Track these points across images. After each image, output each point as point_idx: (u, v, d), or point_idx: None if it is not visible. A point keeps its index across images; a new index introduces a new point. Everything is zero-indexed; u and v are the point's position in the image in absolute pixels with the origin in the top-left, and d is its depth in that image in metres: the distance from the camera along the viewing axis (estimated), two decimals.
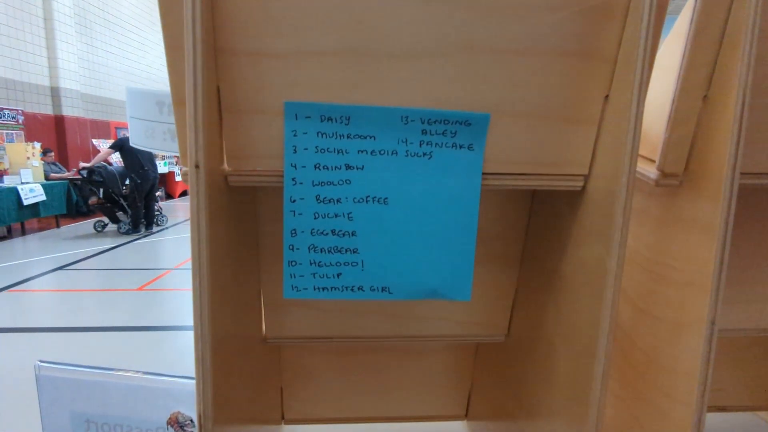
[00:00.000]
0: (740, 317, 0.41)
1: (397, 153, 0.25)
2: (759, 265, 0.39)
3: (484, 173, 0.26)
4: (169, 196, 4.76)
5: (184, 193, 4.76)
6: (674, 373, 0.32)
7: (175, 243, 2.70)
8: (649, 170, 0.31)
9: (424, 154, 0.25)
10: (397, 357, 0.51)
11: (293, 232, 0.25)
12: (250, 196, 0.28)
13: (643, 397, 0.37)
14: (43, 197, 3.50)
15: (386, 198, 0.26)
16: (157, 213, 2.99)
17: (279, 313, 0.39)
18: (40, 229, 3.77)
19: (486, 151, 0.26)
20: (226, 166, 0.26)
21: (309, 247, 0.26)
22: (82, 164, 3.75)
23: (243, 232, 0.29)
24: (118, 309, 1.42)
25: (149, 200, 2.82)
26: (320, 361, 0.49)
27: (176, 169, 4.30)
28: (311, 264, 0.26)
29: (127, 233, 2.85)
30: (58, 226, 3.84)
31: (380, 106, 0.25)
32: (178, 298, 1.54)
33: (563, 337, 0.33)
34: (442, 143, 0.25)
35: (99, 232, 3.17)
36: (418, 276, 0.27)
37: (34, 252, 2.91)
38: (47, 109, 4.13)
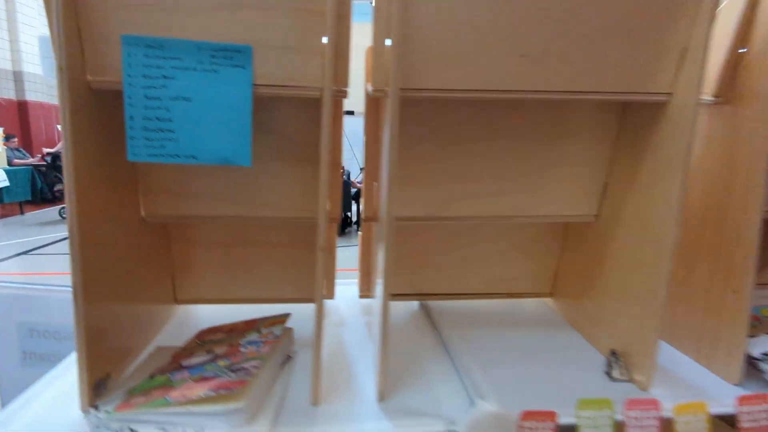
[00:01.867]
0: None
1: (196, 69, 0.41)
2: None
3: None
4: None
5: None
6: None
7: None
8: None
9: (213, 71, 0.42)
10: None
11: (131, 117, 0.41)
12: (112, 100, 0.43)
13: None
14: (7, 183, 3.51)
15: (189, 97, 0.42)
16: None
17: (154, 195, 0.55)
18: (4, 216, 3.77)
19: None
20: (88, 76, 0.41)
21: (142, 128, 0.42)
22: (47, 150, 3.77)
23: (113, 127, 0.45)
24: None
25: None
26: (211, 240, 0.64)
27: None
28: (144, 139, 0.42)
29: None
30: (22, 212, 3.85)
31: (184, 39, 0.41)
32: None
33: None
34: (224, 63, 0.42)
35: (65, 218, 3.23)
36: (215, 149, 0.43)
37: None
38: (10, 94, 4.11)
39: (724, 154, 0.52)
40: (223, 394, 0.41)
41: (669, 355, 0.58)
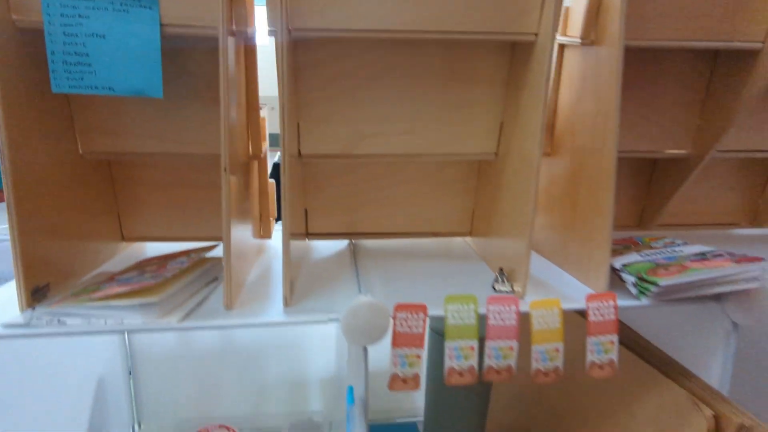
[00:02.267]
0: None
1: (108, 9, 0.47)
2: None
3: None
4: None
5: None
6: None
7: None
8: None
9: (124, 11, 0.48)
10: None
11: (53, 52, 0.47)
12: (40, 38, 0.49)
13: None
14: None
15: (104, 35, 0.48)
16: None
17: (90, 132, 0.61)
18: None
19: None
20: (12, 15, 0.47)
21: (62, 62, 0.48)
22: None
23: (42, 65, 0.51)
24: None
25: None
26: (153, 180, 0.71)
27: None
28: (65, 72, 0.48)
29: None
30: None
31: None
32: None
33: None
34: (133, 4, 0.47)
35: None
36: (129, 82, 0.49)
37: None
38: None
39: (593, 93, 0.58)
40: (138, 289, 0.48)
41: (558, 276, 0.65)
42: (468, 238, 0.82)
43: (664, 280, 0.51)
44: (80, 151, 0.61)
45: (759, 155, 0.75)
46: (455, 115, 0.65)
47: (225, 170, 0.50)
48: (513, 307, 0.51)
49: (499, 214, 0.66)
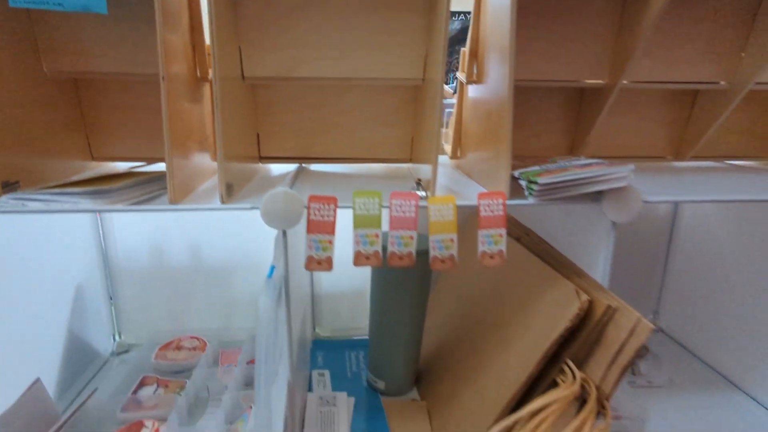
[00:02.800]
0: None
1: None
2: None
3: None
4: None
5: None
6: None
7: None
8: None
9: None
10: None
11: None
12: None
13: None
14: None
15: None
16: None
17: (53, 52, 0.68)
18: None
19: None
20: None
21: None
22: None
23: None
24: None
25: None
26: (118, 103, 0.78)
27: None
28: None
29: None
30: None
31: None
32: None
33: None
34: None
35: None
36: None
37: None
38: None
39: (498, 25, 0.64)
40: (95, 179, 0.57)
41: (473, 187, 0.73)
42: (410, 164, 0.89)
43: (543, 179, 0.58)
44: (44, 70, 0.69)
45: (671, 86, 0.81)
46: (384, 41, 0.71)
47: (163, 78, 0.57)
48: (412, 202, 0.59)
49: (421, 137, 0.74)
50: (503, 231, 0.60)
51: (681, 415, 0.86)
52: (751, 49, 0.78)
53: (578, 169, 0.60)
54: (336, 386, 0.92)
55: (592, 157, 0.92)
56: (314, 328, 1.10)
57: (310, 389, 0.91)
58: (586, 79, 0.80)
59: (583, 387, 0.58)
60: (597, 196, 0.61)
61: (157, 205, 0.60)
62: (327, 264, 0.59)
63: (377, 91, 0.80)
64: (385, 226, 0.58)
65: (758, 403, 0.89)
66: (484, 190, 0.71)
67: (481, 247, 0.60)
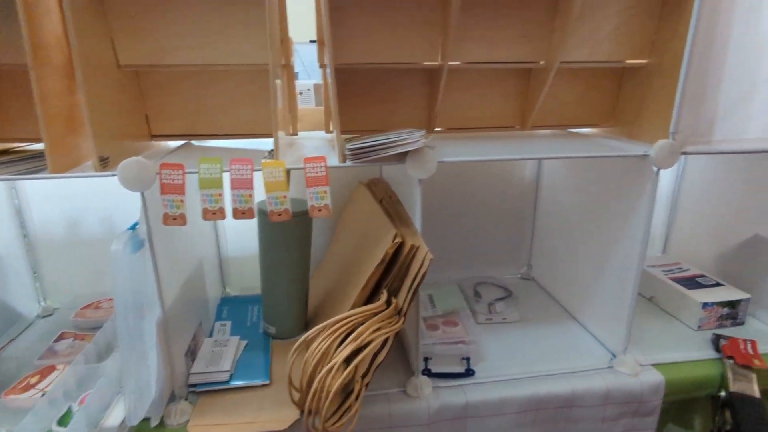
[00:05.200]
0: None
1: None
2: None
3: None
4: None
5: None
6: None
7: None
8: None
9: None
10: None
11: None
12: None
13: None
14: None
15: None
16: None
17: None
18: None
19: None
20: None
21: None
22: None
23: None
24: None
25: None
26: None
27: None
28: None
29: None
30: None
31: None
32: None
33: None
34: None
35: None
36: None
37: None
38: None
39: None
40: None
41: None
42: (292, 137, 1.03)
43: (351, 144, 0.73)
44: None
45: (495, 66, 0.96)
46: (238, 32, 0.84)
47: (31, 69, 0.69)
48: (248, 166, 0.72)
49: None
50: (327, 188, 0.74)
51: (525, 342, 1.04)
52: (557, 32, 0.93)
53: (382, 135, 0.75)
54: (235, 333, 1.07)
55: (448, 129, 1.07)
56: (224, 287, 1.24)
57: (211, 335, 1.05)
58: (424, 62, 0.94)
59: (390, 305, 0.73)
60: (404, 158, 0.76)
61: (40, 175, 0.72)
62: (181, 219, 0.72)
63: (244, 74, 0.93)
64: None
65: (586, 329, 1.08)
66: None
67: (310, 202, 0.75)
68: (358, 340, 0.64)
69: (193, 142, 1.01)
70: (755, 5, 0.76)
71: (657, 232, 1.41)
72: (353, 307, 0.77)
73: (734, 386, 0.90)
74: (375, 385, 0.88)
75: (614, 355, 0.97)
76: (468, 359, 0.94)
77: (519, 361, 0.96)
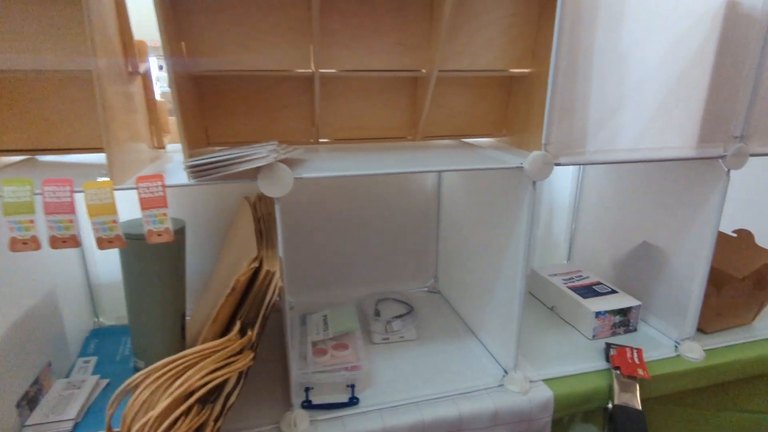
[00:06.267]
0: None
1: None
2: None
3: None
4: None
5: None
6: None
7: None
8: None
9: None
10: None
11: None
12: None
13: None
14: None
15: None
16: None
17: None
18: None
19: None
20: None
21: None
22: None
23: None
24: None
25: None
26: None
27: None
28: None
29: None
30: None
31: None
32: None
33: None
34: None
35: None
36: None
37: None
38: None
39: None
40: None
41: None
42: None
43: (191, 161, 0.65)
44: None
45: (374, 74, 0.91)
46: (59, 34, 0.74)
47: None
48: (67, 188, 0.63)
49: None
50: (165, 210, 0.66)
51: (420, 362, 0.99)
52: (434, 41, 0.89)
53: (229, 151, 0.67)
54: (100, 371, 0.95)
55: (336, 140, 1.01)
56: (96, 317, 1.12)
57: (69, 375, 0.93)
58: (296, 69, 0.87)
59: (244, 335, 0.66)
60: (256, 174, 0.69)
61: None
62: (35, 244, 0.61)
63: (85, 82, 0.82)
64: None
65: (483, 345, 1.05)
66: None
67: (146, 227, 0.66)
68: (184, 386, 0.56)
69: (38, 157, 0.89)
70: (617, 15, 0.76)
71: (562, 240, 1.42)
72: (204, 342, 0.69)
73: (619, 398, 0.89)
74: (248, 422, 0.80)
75: (506, 372, 0.93)
76: (353, 386, 0.88)
77: (409, 385, 0.91)
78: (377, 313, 1.13)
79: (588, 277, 1.22)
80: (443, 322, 1.16)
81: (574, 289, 1.15)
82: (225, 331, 0.70)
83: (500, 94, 1.05)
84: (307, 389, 0.87)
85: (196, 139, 0.96)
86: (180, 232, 0.91)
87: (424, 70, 0.93)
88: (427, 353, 1.02)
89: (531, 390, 0.90)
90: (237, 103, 0.91)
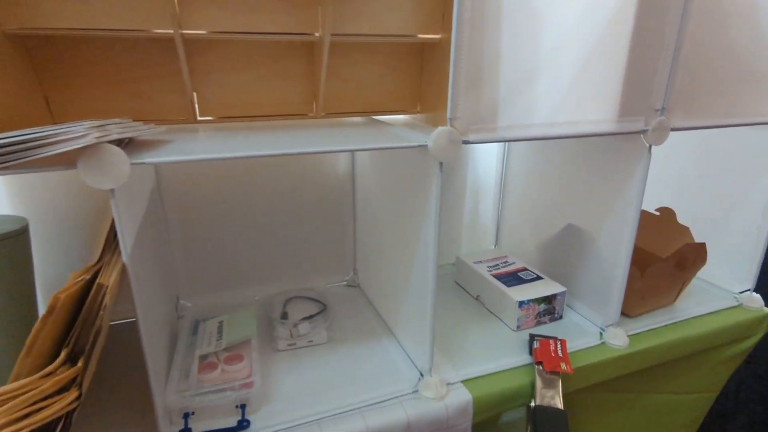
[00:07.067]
0: None
1: None
2: None
3: None
4: None
5: None
6: None
7: None
8: None
9: None
10: None
11: None
12: None
13: None
14: None
15: None
16: None
17: None
18: None
19: None
20: None
21: None
22: None
23: None
24: None
25: None
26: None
27: None
28: None
29: None
30: None
31: None
32: None
33: None
34: None
35: None
36: None
37: None
38: None
39: None
40: None
41: None
42: None
43: None
44: None
45: (257, 37, 0.77)
46: None
47: None
48: None
49: None
50: None
51: (329, 370, 0.87)
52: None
53: (29, 130, 0.51)
54: None
55: (221, 118, 0.86)
56: None
57: None
58: (153, 29, 0.71)
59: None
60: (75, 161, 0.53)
61: None
62: None
63: None
64: None
65: (401, 346, 0.95)
66: None
67: None
68: None
69: None
70: None
71: (489, 224, 1.34)
72: (15, 380, 0.53)
73: (541, 397, 0.82)
74: None
75: (422, 376, 0.84)
76: (243, 407, 0.75)
77: (313, 399, 0.79)
78: (284, 315, 1.01)
79: (513, 263, 1.15)
80: (359, 321, 1.05)
81: (498, 277, 1.08)
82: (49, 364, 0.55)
83: (412, 65, 0.93)
84: (186, 415, 0.73)
85: (24, 112, 0.78)
86: (21, 232, 0.74)
87: (317, 34, 0.80)
88: (338, 359, 0.91)
89: (448, 394, 0.81)
90: (81, 70, 0.74)
